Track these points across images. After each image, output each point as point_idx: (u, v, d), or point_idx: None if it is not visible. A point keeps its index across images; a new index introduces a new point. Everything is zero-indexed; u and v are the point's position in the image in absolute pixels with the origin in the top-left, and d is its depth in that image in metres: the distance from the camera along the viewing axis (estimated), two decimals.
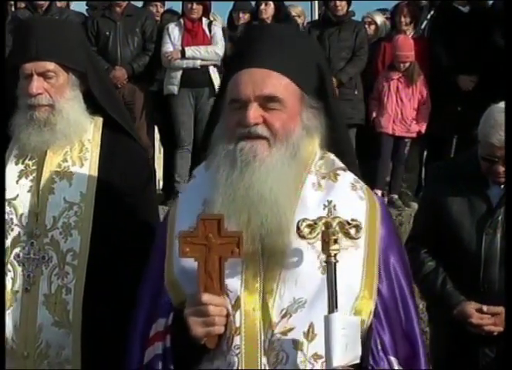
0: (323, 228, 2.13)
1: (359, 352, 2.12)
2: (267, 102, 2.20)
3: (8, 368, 2.80)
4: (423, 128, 8.07)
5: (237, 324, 2.16)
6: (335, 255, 2.11)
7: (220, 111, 2.33)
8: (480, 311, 3.42)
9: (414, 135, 8.10)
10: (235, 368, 2.15)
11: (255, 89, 2.19)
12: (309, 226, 2.13)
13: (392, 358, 2.22)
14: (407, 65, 8.04)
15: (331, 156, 2.36)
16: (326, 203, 2.24)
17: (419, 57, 8.09)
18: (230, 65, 2.36)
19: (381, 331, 2.22)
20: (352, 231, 2.16)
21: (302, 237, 2.13)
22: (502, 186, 3.44)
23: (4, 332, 2.80)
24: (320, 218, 2.15)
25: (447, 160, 5.30)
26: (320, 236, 2.13)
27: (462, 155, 4.03)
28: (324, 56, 2.57)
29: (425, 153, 8.47)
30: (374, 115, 8.08)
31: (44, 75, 2.92)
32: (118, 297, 2.78)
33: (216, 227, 2.13)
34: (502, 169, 3.36)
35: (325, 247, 2.12)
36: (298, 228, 2.13)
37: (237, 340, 2.16)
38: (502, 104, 3.43)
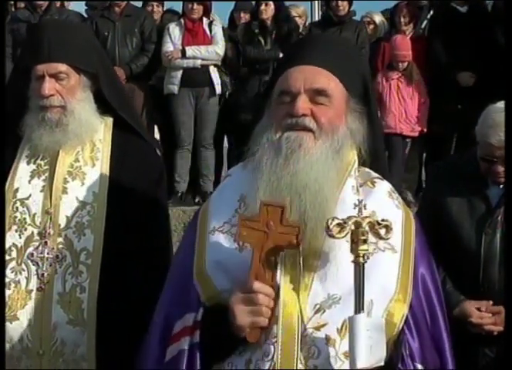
0: (353, 227, 2.12)
1: (384, 355, 2.12)
2: (317, 95, 2.24)
3: (24, 366, 2.84)
4: (425, 127, 8.11)
5: (276, 313, 2.15)
6: (364, 256, 2.10)
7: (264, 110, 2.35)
8: (479, 309, 3.42)
9: (417, 134, 8.13)
10: (270, 357, 2.14)
11: (305, 83, 2.24)
12: (339, 225, 2.12)
13: (419, 366, 2.22)
14: (405, 64, 8.09)
15: (366, 169, 2.39)
16: (357, 202, 2.27)
17: (419, 56, 8.14)
18: (280, 66, 2.40)
19: (409, 338, 2.22)
20: (382, 231, 2.15)
21: (331, 236, 2.13)
22: (501, 186, 3.42)
23: (4, 332, 2.82)
24: (350, 217, 2.14)
25: (447, 160, 5.30)
26: (349, 235, 2.12)
27: (461, 155, 4.03)
28: (369, 70, 2.64)
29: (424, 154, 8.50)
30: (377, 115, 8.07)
31: (56, 76, 2.94)
32: (131, 295, 2.82)
33: (279, 214, 2.10)
34: (501, 169, 3.34)
35: (354, 247, 2.11)
36: (328, 227, 2.12)
37: (274, 329, 2.14)
38: (500, 104, 3.40)
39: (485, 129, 3.41)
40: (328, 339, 2.15)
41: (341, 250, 2.20)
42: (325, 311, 2.17)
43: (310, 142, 2.22)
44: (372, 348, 2.08)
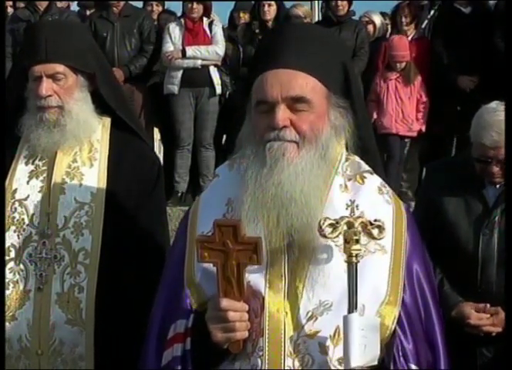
0: (345, 228, 2.11)
1: (378, 354, 2.11)
2: (295, 103, 2.18)
3: (23, 366, 2.85)
4: (423, 127, 8.11)
5: (261, 326, 2.14)
6: (356, 255, 2.10)
7: (246, 110, 2.31)
8: (478, 310, 3.40)
9: (415, 134, 8.12)
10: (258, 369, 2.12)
11: (282, 91, 2.17)
12: (331, 225, 2.11)
13: (413, 366, 2.21)
14: (403, 64, 8.08)
15: (357, 158, 2.34)
16: (349, 203, 2.23)
17: (420, 57, 8.13)
18: (255, 64, 2.35)
19: (403, 339, 2.20)
20: (375, 232, 2.14)
21: (323, 236, 2.11)
22: (498, 186, 3.40)
23: (4, 332, 2.82)
24: (342, 218, 2.13)
25: (442, 160, 5.29)
26: (342, 236, 2.11)
27: (458, 155, 4.02)
28: (349, 55, 2.55)
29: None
30: (375, 116, 8.08)
31: (53, 77, 2.95)
32: (129, 294, 2.83)
33: (231, 233, 2.09)
34: (496, 169, 3.32)
35: (347, 247, 2.11)
36: (320, 227, 2.11)
37: (260, 342, 2.14)
38: (493, 104, 3.40)
39: (478, 130, 3.39)
40: (321, 347, 2.13)
41: (330, 257, 2.18)
42: (317, 319, 2.15)
43: (293, 152, 2.18)
44: (366, 348, 2.07)
